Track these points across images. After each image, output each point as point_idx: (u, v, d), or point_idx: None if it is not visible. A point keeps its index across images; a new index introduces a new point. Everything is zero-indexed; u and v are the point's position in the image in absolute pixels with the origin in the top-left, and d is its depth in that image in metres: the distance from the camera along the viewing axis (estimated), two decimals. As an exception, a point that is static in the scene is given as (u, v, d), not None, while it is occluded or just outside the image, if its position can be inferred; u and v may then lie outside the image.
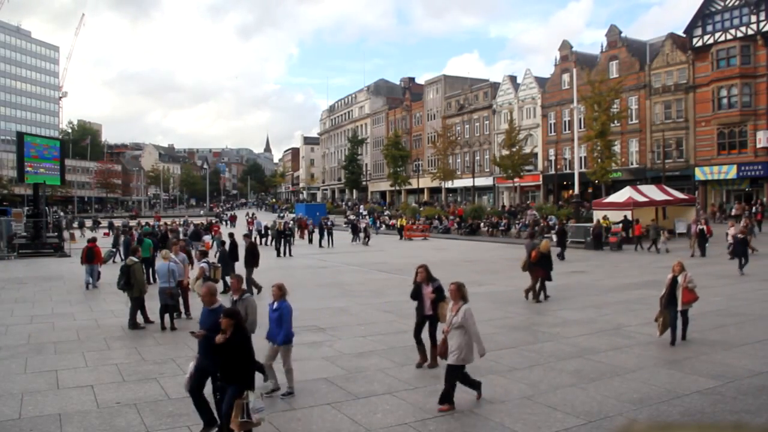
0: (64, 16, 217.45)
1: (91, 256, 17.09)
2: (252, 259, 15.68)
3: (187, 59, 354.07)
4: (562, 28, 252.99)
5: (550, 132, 48.89)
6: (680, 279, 9.16)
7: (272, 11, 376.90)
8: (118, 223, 45.03)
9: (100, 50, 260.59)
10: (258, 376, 6.29)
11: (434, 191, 63.79)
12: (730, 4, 36.74)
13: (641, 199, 27.88)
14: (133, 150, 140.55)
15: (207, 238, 32.98)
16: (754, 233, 23.30)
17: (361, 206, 64.74)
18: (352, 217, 50.63)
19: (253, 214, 41.95)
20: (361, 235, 33.99)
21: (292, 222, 39.07)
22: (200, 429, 5.95)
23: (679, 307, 9.10)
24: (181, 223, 34.00)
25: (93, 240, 18.18)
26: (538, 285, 13.72)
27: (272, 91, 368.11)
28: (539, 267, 13.63)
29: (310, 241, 34.24)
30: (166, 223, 33.03)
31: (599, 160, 35.92)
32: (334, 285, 17.04)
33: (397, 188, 64.77)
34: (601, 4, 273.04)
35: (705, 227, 21.46)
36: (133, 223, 40.29)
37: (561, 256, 21.55)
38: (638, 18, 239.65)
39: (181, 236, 25.74)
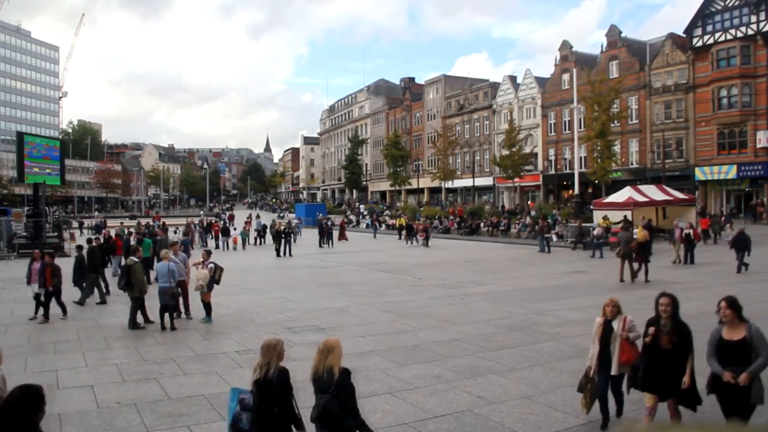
0: (75, 16, 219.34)
1: (112, 249, 19.04)
2: (93, 265, 14.70)
3: (195, 59, 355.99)
4: (573, 27, 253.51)
5: (550, 132, 48.88)
6: (616, 326, 5.96)
7: (282, 11, 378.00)
8: (92, 222, 44.83)
9: (109, 50, 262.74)
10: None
11: (434, 191, 63.78)
12: (730, 4, 36.74)
13: (641, 199, 27.86)
14: (133, 150, 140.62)
15: (234, 233, 33.12)
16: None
17: (362, 206, 64.75)
18: (367, 212, 50.06)
19: (258, 215, 41.77)
20: (419, 237, 32.15)
21: (296, 221, 38.97)
22: None
23: (613, 371, 5.89)
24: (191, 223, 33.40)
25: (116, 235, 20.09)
26: (637, 268, 16.15)
27: (279, 91, 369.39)
28: (639, 254, 16.11)
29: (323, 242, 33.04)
30: (164, 223, 32.96)
31: (599, 160, 35.91)
32: (334, 285, 17.05)
33: (397, 188, 64.77)
34: (613, 3, 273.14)
35: (691, 231, 20.56)
36: (132, 222, 40.27)
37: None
38: (650, 18, 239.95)
39: (181, 237, 25.75)
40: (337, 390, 4.45)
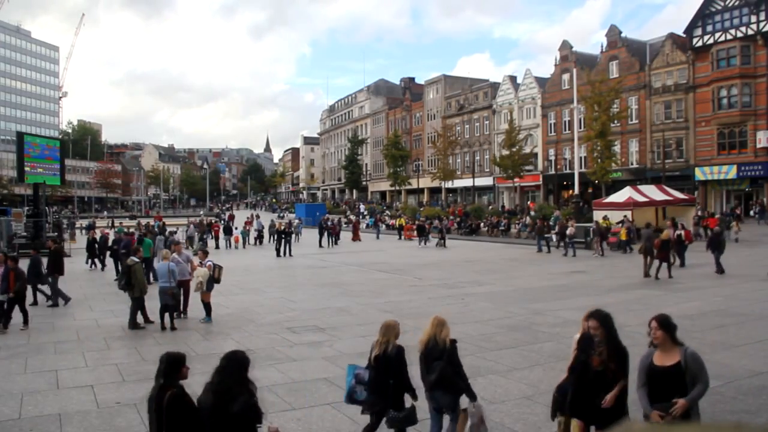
0: (78, 15, 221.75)
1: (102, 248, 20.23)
2: (56, 267, 14.18)
3: (197, 59, 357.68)
4: (576, 27, 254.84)
5: (550, 132, 48.88)
6: None
7: (285, 10, 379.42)
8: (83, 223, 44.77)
9: (111, 50, 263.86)
10: None
11: (434, 191, 63.79)
12: (730, 4, 36.73)
13: (641, 199, 27.88)
14: (133, 150, 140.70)
15: (236, 232, 33.22)
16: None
17: (362, 206, 64.74)
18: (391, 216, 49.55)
19: (258, 215, 41.78)
20: (430, 236, 31.34)
21: (296, 221, 38.90)
22: None
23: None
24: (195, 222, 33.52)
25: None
26: (658, 265, 16.77)
27: (281, 91, 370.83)
28: (662, 251, 16.76)
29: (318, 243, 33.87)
30: (164, 223, 32.96)
31: (599, 160, 35.90)
32: (334, 285, 17.04)
33: (397, 188, 64.77)
34: (616, 3, 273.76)
35: (683, 232, 20.10)
36: (132, 222, 40.26)
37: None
38: (653, 17, 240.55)
39: (184, 238, 25.79)
40: (449, 357, 5.15)
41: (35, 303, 13.90)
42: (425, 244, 31.16)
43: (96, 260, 22.37)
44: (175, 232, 27.45)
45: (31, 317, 12.50)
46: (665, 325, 4.36)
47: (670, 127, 39.72)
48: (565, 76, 45.91)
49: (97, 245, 22.45)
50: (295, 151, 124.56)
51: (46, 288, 14.31)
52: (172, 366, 4.12)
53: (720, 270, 17.17)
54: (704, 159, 37.91)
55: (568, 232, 25.25)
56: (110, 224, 44.37)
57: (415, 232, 33.42)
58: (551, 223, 30.42)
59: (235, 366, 4.07)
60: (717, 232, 18.28)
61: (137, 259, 11.92)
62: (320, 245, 31.53)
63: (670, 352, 4.32)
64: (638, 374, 4.41)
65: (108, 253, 21.33)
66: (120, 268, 18.29)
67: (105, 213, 77.86)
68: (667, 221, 24.13)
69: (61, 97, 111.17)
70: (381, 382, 5.14)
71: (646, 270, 17.04)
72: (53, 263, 14.23)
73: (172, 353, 4.25)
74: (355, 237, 35.56)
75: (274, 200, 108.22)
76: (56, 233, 31.46)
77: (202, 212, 73.01)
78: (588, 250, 25.31)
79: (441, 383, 5.09)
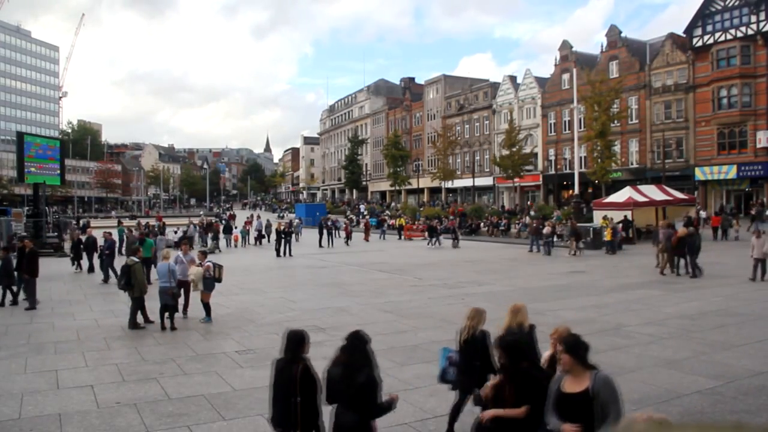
0: (81, 15, 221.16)
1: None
2: (31, 267, 13.71)
3: (199, 59, 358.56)
4: (579, 27, 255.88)
5: (550, 132, 48.88)
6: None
7: (287, 10, 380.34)
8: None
9: (112, 50, 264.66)
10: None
11: (434, 191, 63.79)
12: (730, 4, 36.73)
13: (641, 199, 27.88)
14: (133, 150, 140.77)
15: (235, 231, 33.20)
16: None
17: (362, 206, 64.71)
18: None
19: (258, 216, 41.74)
20: (441, 237, 30.93)
21: (296, 221, 38.92)
22: None
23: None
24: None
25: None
26: (678, 261, 17.39)
27: (283, 91, 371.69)
28: (679, 248, 17.17)
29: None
30: (164, 224, 32.95)
31: (599, 160, 35.91)
32: (334, 285, 17.04)
33: (397, 188, 64.77)
34: (619, 2, 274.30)
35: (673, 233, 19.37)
36: (133, 222, 40.23)
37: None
38: (655, 17, 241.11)
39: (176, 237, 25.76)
40: (528, 338, 5.46)
41: (15, 303, 13.90)
42: (438, 244, 30.46)
43: (80, 262, 21.57)
44: (185, 232, 27.53)
45: (31, 316, 12.52)
46: (571, 347, 3.79)
47: (670, 127, 39.72)
48: (565, 76, 45.90)
49: (82, 246, 21.62)
50: (295, 151, 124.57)
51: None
52: (297, 343, 4.70)
53: (693, 274, 16.75)
54: (704, 159, 37.91)
55: (544, 231, 25.79)
56: (117, 225, 44.07)
57: (426, 233, 32.88)
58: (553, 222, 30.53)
59: (359, 342, 4.55)
60: (690, 233, 17.98)
61: (137, 259, 11.91)
62: (320, 245, 31.51)
63: (580, 377, 3.75)
64: (549, 398, 3.91)
65: (97, 254, 20.86)
66: (103, 268, 18.39)
67: (113, 213, 77.99)
68: (665, 219, 24.19)
69: (61, 97, 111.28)
70: (468, 364, 5.56)
71: (664, 266, 17.54)
72: (29, 264, 13.70)
73: (296, 331, 4.79)
74: (367, 237, 35.86)
75: (274, 200, 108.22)
76: (56, 233, 31.59)
77: (202, 212, 72.97)
78: (588, 250, 25.31)
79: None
